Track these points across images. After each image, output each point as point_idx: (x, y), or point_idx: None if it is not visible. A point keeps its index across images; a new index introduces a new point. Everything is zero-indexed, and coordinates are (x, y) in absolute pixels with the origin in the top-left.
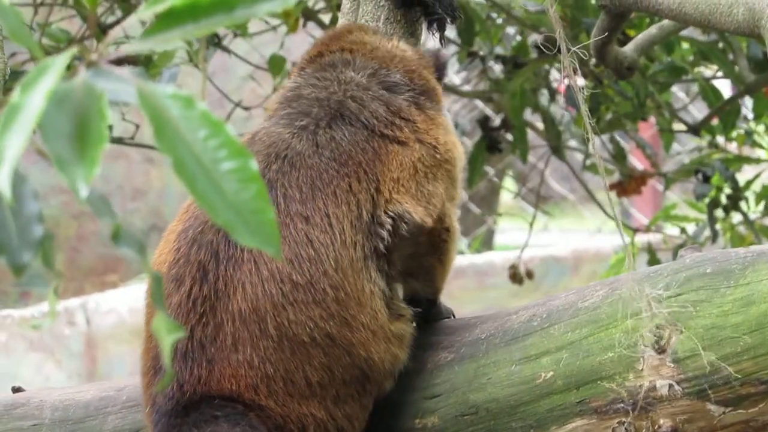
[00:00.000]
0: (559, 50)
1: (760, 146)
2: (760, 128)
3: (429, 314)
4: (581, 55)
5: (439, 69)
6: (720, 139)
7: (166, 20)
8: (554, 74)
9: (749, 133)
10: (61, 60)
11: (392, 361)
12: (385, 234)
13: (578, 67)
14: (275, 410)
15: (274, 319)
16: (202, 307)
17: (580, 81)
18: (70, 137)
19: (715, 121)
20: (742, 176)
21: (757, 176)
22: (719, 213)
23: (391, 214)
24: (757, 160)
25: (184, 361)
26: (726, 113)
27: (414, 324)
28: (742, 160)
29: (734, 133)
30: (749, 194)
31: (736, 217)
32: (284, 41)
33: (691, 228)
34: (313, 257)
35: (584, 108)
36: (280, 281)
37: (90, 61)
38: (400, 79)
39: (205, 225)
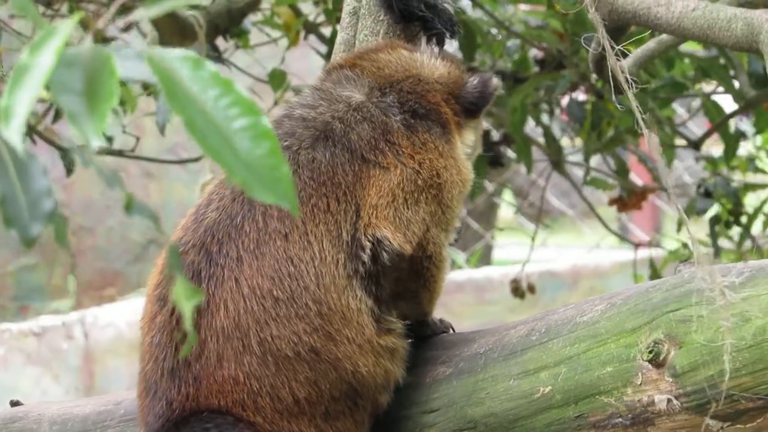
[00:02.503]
0: (558, 65)
1: (763, 171)
2: (761, 153)
3: (420, 333)
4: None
5: (473, 97)
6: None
7: None
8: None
9: (751, 159)
10: (68, 23)
11: (384, 375)
12: (366, 258)
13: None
14: (264, 427)
15: (257, 334)
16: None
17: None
18: (81, 94)
19: (716, 147)
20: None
21: (763, 203)
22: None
23: (371, 238)
24: (763, 186)
25: (171, 379)
26: (727, 140)
27: (407, 339)
28: (747, 188)
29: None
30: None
31: (736, 230)
32: (285, 55)
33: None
34: (293, 273)
35: (631, 97)
36: (262, 297)
37: (96, 30)
38: (393, 100)
39: (188, 246)
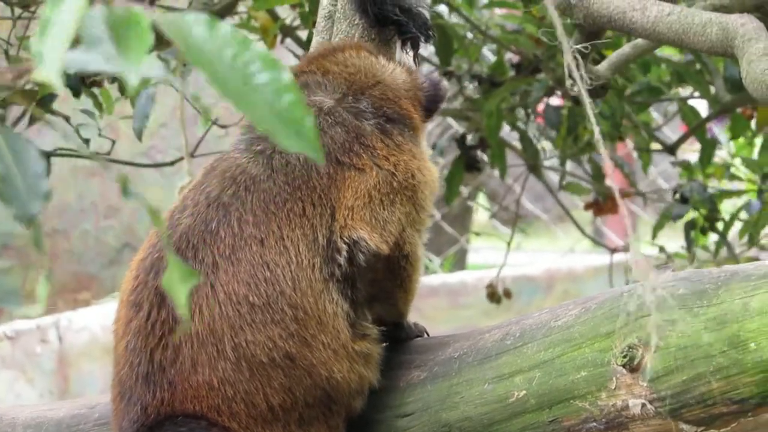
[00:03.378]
0: (535, 70)
1: (738, 178)
2: (736, 161)
3: (396, 336)
4: (571, 66)
5: (430, 100)
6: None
7: None
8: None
9: (727, 167)
10: None
11: (358, 380)
12: (342, 260)
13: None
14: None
15: (231, 340)
16: (161, 330)
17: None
18: (111, 42)
19: (691, 153)
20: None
21: (740, 209)
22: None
23: (347, 240)
24: (738, 193)
25: (146, 384)
26: (703, 146)
27: (382, 344)
28: (723, 195)
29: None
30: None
31: (712, 237)
32: None
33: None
34: (269, 278)
35: (588, 105)
36: (237, 303)
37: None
38: (366, 105)
39: (163, 252)
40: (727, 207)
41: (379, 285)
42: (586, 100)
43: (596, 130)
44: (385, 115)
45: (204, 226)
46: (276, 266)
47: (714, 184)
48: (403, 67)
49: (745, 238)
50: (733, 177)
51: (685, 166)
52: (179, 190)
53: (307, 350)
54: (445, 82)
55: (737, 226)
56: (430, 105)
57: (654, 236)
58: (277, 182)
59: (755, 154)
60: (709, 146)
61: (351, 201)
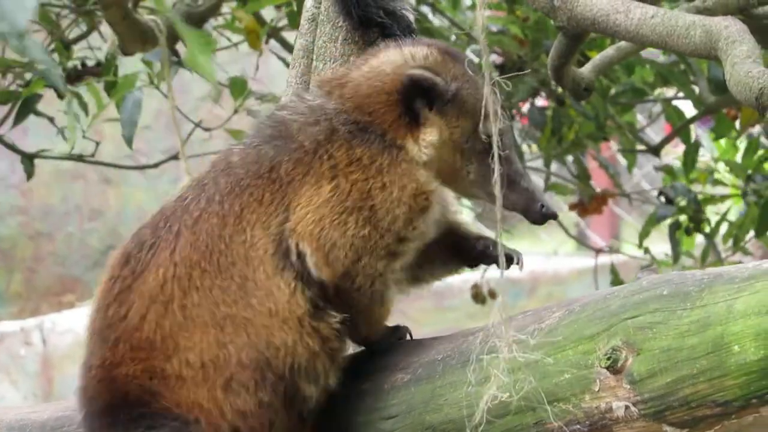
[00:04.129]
0: (518, 71)
1: (722, 183)
2: (719, 165)
3: (373, 348)
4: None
5: (405, 96)
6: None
7: None
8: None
9: (710, 172)
10: None
11: (308, 358)
12: (294, 260)
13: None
14: (166, 396)
15: (180, 300)
16: (120, 286)
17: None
18: None
19: (674, 155)
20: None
21: (723, 216)
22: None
23: (295, 246)
24: (722, 199)
25: (98, 341)
26: (686, 150)
27: (346, 341)
28: (706, 200)
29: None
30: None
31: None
32: (245, 61)
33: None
34: (223, 250)
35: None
36: (190, 267)
37: None
38: (348, 108)
39: (145, 227)
40: (710, 213)
41: (340, 300)
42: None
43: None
44: (355, 121)
45: (181, 202)
46: (231, 241)
47: (698, 189)
48: (388, 62)
49: (729, 243)
50: (716, 182)
51: (668, 170)
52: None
53: (250, 312)
54: (419, 72)
55: (723, 227)
56: (409, 103)
57: (640, 244)
58: (248, 169)
59: (739, 157)
60: (692, 150)
61: (304, 209)
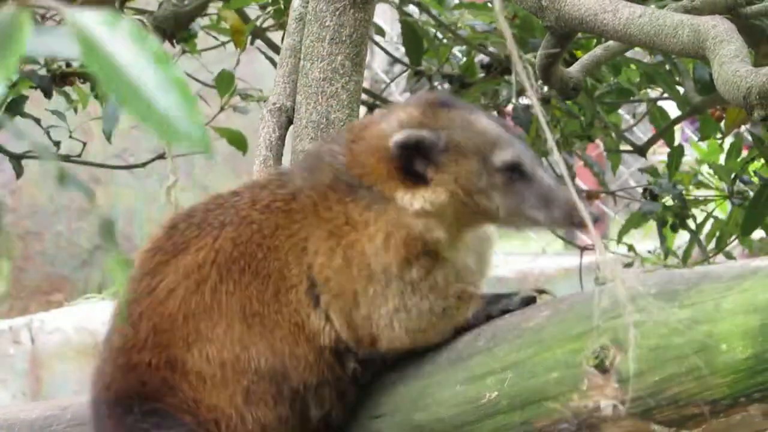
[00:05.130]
0: (505, 70)
1: (707, 186)
2: (703, 167)
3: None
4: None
5: (396, 160)
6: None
7: None
8: (503, 93)
9: (694, 174)
10: None
11: (320, 380)
12: (323, 307)
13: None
14: (188, 394)
15: (213, 284)
16: (160, 258)
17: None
18: None
19: (660, 154)
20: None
21: (710, 214)
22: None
23: (324, 303)
24: (705, 201)
25: (124, 316)
26: (671, 152)
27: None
28: (691, 204)
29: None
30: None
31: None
32: (230, 60)
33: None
34: (260, 259)
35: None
36: (230, 259)
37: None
38: (343, 163)
39: (198, 204)
40: (695, 213)
41: None
42: (539, 110)
43: (550, 137)
44: (352, 175)
45: (233, 197)
46: (269, 253)
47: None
48: (401, 114)
49: (713, 244)
50: (700, 184)
51: (653, 172)
52: (165, 191)
53: (279, 318)
54: (410, 132)
55: (708, 227)
56: (408, 167)
57: (620, 239)
58: (285, 191)
59: (722, 159)
60: (676, 153)
61: (320, 258)
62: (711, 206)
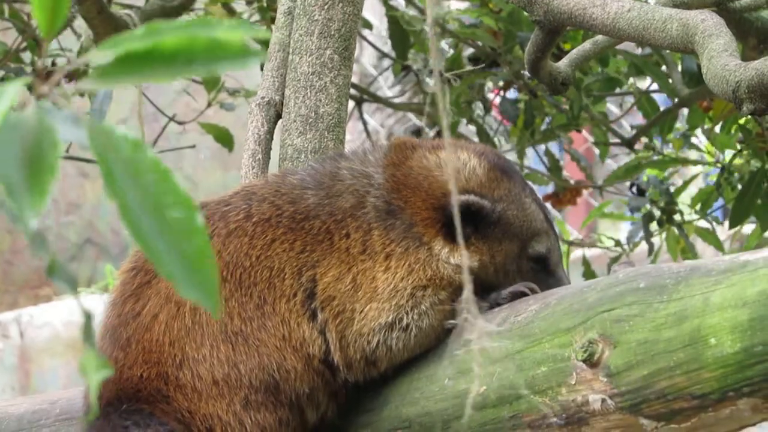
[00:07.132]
0: (492, 64)
1: (698, 149)
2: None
3: None
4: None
5: (448, 222)
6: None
7: (123, 64)
8: (489, 86)
9: (686, 136)
10: (13, 88)
11: (310, 384)
12: (320, 324)
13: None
14: (183, 405)
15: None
16: (141, 279)
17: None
18: (21, 164)
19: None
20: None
21: (692, 178)
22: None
23: (323, 322)
24: (694, 162)
25: (111, 339)
26: (663, 122)
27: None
28: (677, 161)
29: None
30: (684, 196)
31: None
32: None
33: (623, 234)
34: (247, 268)
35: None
36: None
37: (40, 93)
38: (378, 186)
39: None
40: (681, 202)
41: None
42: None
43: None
44: (388, 201)
45: (222, 206)
46: (257, 262)
47: (672, 176)
48: (460, 165)
49: (698, 207)
50: (692, 146)
51: (636, 165)
52: None
53: (264, 334)
54: (473, 198)
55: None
56: (449, 222)
57: (582, 226)
58: (289, 208)
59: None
60: (669, 122)
61: (327, 278)
62: (699, 168)
